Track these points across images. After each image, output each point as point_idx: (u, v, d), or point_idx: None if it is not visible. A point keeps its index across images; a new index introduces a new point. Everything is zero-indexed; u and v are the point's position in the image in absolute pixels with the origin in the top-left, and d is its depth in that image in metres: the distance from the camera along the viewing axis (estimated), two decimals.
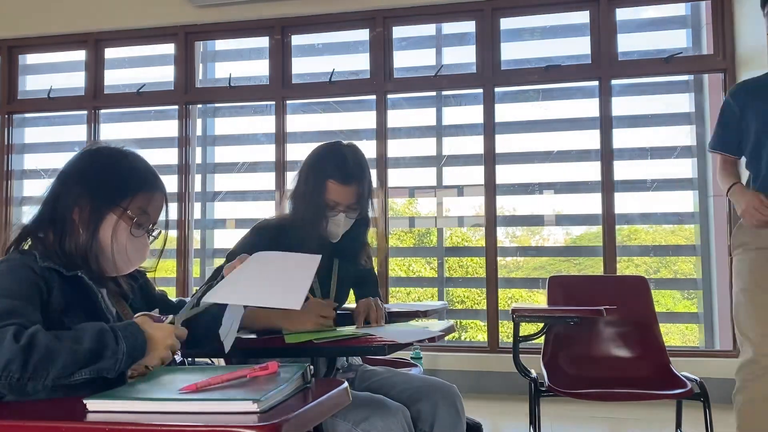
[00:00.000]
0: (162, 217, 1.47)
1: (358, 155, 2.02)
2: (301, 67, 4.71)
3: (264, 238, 1.96)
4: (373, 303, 2.03)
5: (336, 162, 1.97)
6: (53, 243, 1.34)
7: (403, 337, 1.64)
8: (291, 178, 2.09)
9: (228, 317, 1.41)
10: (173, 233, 4.64)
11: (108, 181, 1.39)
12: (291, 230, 1.95)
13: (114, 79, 4.97)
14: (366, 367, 2.08)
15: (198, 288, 1.50)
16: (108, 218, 1.36)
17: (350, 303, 2.22)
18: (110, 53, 4.97)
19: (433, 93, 4.60)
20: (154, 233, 1.45)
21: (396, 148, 4.57)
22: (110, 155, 1.44)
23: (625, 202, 4.21)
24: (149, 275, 1.57)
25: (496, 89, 4.37)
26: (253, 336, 1.82)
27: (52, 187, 1.40)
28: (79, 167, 1.42)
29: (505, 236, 4.80)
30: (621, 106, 4.27)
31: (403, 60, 4.59)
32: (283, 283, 1.37)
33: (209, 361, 1.98)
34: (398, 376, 1.96)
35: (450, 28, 4.65)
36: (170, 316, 1.33)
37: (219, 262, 4.16)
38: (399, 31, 4.57)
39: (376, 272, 2.32)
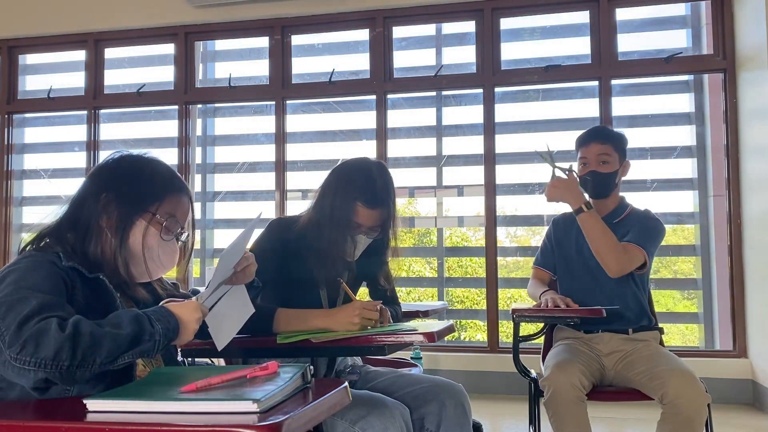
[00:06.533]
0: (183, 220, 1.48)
1: (385, 177, 1.97)
2: (301, 67, 4.71)
3: (275, 232, 1.96)
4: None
5: (365, 184, 1.92)
6: (77, 246, 1.35)
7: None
8: (319, 183, 2.02)
9: (221, 311, 1.45)
10: None
11: (136, 188, 1.41)
12: (312, 244, 1.92)
13: (114, 79, 4.97)
14: (369, 368, 2.06)
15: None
16: (138, 224, 1.39)
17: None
18: (110, 53, 4.97)
19: (433, 93, 4.60)
20: (182, 237, 1.46)
21: (396, 148, 4.57)
22: (134, 162, 1.45)
23: None
24: (167, 275, 1.57)
25: (496, 89, 4.37)
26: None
27: (78, 193, 1.42)
28: (104, 176, 1.43)
29: (505, 236, 4.80)
30: (621, 106, 4.27)
31: (403, 60, 4.59)
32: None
33: (209, 361, 1.98)
34: (404, 377, 1.93)
35: (450, 28, 4.65)
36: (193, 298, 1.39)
37: None
38: (399, 31, 4.57)
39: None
